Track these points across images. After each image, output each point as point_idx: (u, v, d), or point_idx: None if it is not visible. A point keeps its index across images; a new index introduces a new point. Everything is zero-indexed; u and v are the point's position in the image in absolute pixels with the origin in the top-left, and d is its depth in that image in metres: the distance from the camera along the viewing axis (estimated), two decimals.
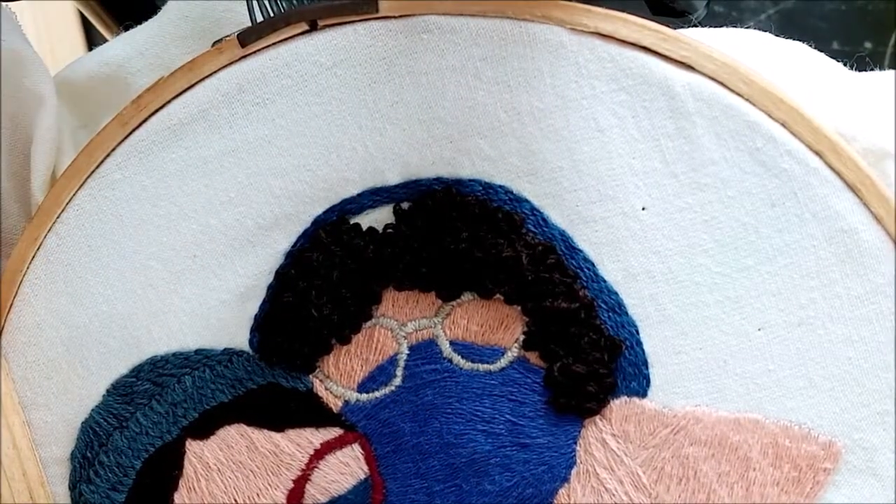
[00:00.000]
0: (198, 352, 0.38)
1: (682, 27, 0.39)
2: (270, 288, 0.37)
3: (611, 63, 0.36)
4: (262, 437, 0.38)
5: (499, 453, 0.37)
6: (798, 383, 0.36)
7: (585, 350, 0.36)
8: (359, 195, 0.37)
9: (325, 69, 0.37)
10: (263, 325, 0.38)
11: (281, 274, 0.37)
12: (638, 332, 0.36)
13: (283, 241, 0.37)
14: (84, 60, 0.45)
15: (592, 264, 0.36)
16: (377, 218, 0.37)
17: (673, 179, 0.36)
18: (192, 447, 0.38)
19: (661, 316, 0.36)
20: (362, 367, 0.38)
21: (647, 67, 0.36)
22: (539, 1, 0.36)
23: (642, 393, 0.36)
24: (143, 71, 0.44)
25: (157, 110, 0.38)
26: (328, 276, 0.37)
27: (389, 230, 0.37)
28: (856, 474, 0.36)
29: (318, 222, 0.37)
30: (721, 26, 0.41)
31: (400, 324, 0.37)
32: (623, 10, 0.36)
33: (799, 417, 0.36)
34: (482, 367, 0.37)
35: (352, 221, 0.37)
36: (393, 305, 0.37)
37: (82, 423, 0.39)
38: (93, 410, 0.39)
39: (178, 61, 0.38)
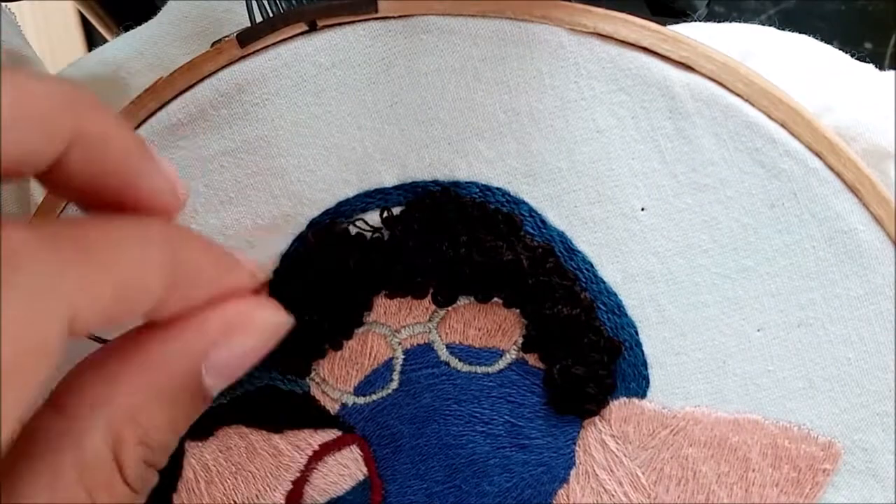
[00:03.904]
0: None
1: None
2: None
3: (610, 64, 0.36)
4: (261, 439, 0.38)
5: (498, 454, 0.37)
6: (797, 384, 0.36)
7: (585, 352, 0.36)
8: (354, 197, 0.37)
9: (324, 69, 0.37)
10: None
11: (272, 277, 0.37)
12: (637, 334, 0.36)
13: (280, 243, 0.37)
14: (83, 60, 0.45)
15: (591, 265, 0.36)
16: (370, 222, 0.37)
17: (672, 180, 0.36)
18: (192, 449, 0.38)
19: (660, 317, 0.36)
20: (357, 371, 0.38)
21: (646, 68, 0.35)
22: (538, 1, 0.36)
23: (641, 394, 0.36)
24: (142, 71, 0.43)
25: (155, 111, 0.37)
26: (316, 281, 0.36)
27: (377, 235, 0.37)
28: (855, 475, 0.36)
29: (312, 225, 0.37)
30: None
31: (393, 330, 0.37)
32: (623, 11, 0.36)
33: (798, 418, 0.36)
34: (480, 369, 0.37)
35: (344, 225, 0.37)
36: (385, 312, 0.37)
37: None
38: None
39: (178, 62, 0.38)
